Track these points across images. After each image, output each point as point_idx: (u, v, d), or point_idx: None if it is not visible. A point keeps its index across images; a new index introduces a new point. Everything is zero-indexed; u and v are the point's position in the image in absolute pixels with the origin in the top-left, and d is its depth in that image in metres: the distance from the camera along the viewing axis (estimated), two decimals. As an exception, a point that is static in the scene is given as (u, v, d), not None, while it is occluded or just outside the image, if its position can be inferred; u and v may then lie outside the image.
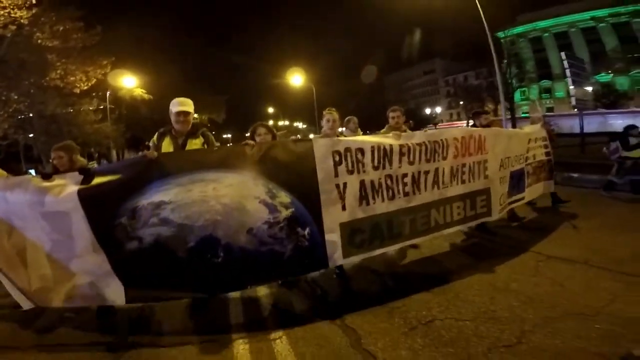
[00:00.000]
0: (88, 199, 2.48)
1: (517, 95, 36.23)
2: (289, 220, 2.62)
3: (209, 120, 50.52)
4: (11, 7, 12.86)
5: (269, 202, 2.58)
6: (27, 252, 2.57)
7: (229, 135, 65.72)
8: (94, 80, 20.87)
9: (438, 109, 45.61)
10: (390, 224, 3.03)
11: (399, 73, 54.30)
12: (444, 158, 3.32)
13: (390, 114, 4.04)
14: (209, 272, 2.55)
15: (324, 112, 3.52)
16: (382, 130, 3.96)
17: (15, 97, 17.73)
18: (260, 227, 2.55)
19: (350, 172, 2.86)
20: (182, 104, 3.11)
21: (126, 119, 30.91)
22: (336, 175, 2.80)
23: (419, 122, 33.88)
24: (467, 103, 38.87)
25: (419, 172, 3.16)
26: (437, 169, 3.27)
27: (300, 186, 2.68)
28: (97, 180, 2.56)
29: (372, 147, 2.96)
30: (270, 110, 55.13)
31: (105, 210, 2.48)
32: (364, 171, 2.91)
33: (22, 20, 13.41)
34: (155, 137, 3.17)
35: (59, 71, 17.43)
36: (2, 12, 12.72)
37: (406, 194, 3.09)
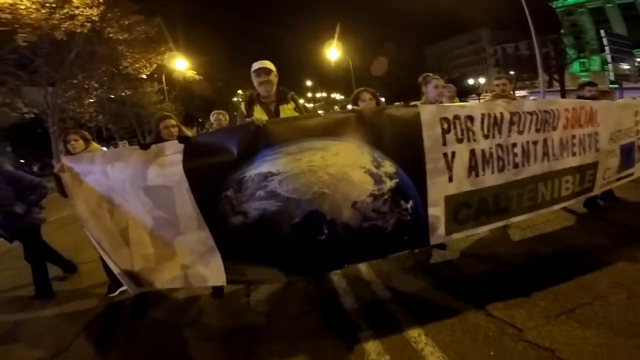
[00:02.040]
0: (193, 170, 2.28)
1: (576, 67, 33.40)
2: (392, 192, 2.38)
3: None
4: (83, 6, 14.78)
5: (374, 172, 2.36)
6: (130, 231, 2.42)
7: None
8: (154, 66, 23.29)
9: (482, 80, 43.14)
10: (498, 198, 2.78)
11: (443, 42, 51.49)
12: (554, 128, 3.08)
13: (495, 82, 3.81)
14: (310, 251, 2.36)
15: (429, 78, 3.29)
16: (487, 99, 3.74)
17: (96, 85, 20.54)
18: (364, 200, 2.33)
19: (460, 141, 2.61)
20: (261, 62, 2.90)
21: (181, 98, 33.76)
22: (444, 143, 2.55)
23: (461, 92, 32.63)
24: (518, 73, 36.43)
25: (528, 142, 2.93)
26: (545, 140, 3.03)
27: (405, 155, 2.45)
28: (202, 149, 2.34)
29: (482, 114, 2.73)
30: (309, 83, 55.74)
31: (211, 183, 2.27)
32: (474, 140, 2.67)
33: (93, 18, 15.38)
34: (242, 106, 2.97)
35: (128, 60, 19.76)
36: (77, 11, 14.71)
37: (515, 166, 2.85)
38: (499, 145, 2.78)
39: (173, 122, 3.04)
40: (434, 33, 49.97)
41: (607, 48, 31.26)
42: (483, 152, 2.71)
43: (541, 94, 17.41)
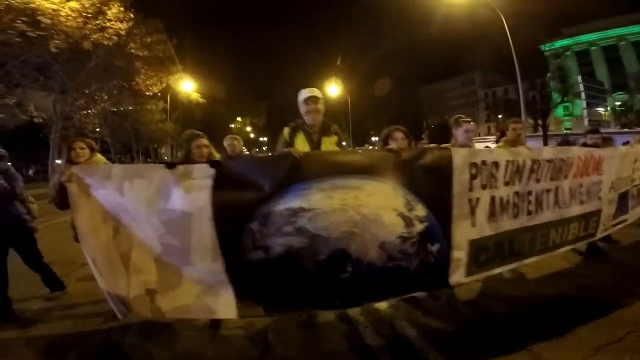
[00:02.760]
0: (221, 199, 2.15)
1: (560, 110, 35.79)
2: (421, 235, 2.37)
3: (251, 124, 53.88)
4: (115, 19, 15.42)
5: (406, 215, 2.33)
6: (132, 255, 2.23)
7: (265, 139, 68.91)
8: (164, 85, 23.87)
9: (471, 124, 45.59)
10: (512, 242, 2.86)
11: (437, 84, 54.58)
12: (565, 177, 3.19)
13: (512, 125, 3.76)
14: (331, 288, 2.30)
15: (460, 121, 3.35)
16: (499, 144, 3.73)
17: (106, 97, 20.78)
18: (393, 241, 2.30)
19: (484, 187, 2.67)
20: (311, 90, 2.84)
21: (182, 120, 34.15)
22: (470, 189, 2.60)
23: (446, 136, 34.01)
24: (506, 117, 38.76)
25: (542, 190, 3.03)
26: (557, 188, 3.14)
27: (436, 199, 2.45)
28: (233, 177, 2.23)
29: (507, 161, 2.80)
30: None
31: (236, 214, 2.16)
32: (495, 186, 2.73)
33: (121, 32, 15.98)
34: (285, 132, 2.85)
35: (142, 76, 20.24)
36: (108, 23, 15.30)
37: (529, 213, 2.94)
38: (516, 193, 2.87)
39: (206, 141, 2.86)
40: (429, 74, 53.13)
41: (582, 94, 34.04)
42: (501, 199, 2.78)
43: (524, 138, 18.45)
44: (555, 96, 32.48)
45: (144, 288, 2.25)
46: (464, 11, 21.59)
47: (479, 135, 41.58)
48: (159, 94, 27.39)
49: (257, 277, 2.23)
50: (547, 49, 33.38)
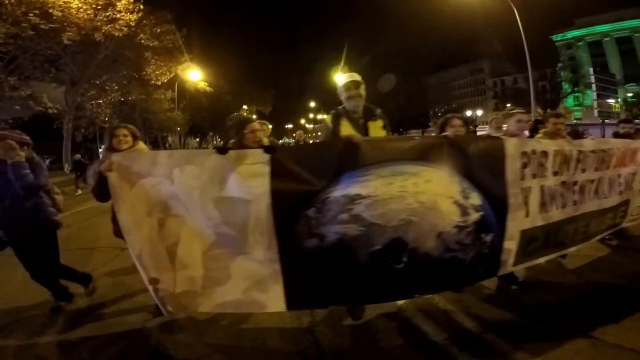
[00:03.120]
0: (278, 185, 2.09)
1: (570, 101, 35.37)
2: (476, 225, 2.34)
3: (257, 112, 53.70)
4: (125, 10, 15.52)
5: (462, 203, 2.31)
6: (179, 248, 2.12)
7: (270, 126, 68.81)
8: (172, 74, 23.98)
9: (479, 112, 45.02)
10: (558, 232, 2.89)
11: (444, 72, 53.76)
12: (607, 168, 3.23)
13: (552, 120, 3.78)
14: (384, 279, 2.25)
15: (512, 112, 3.30)
16: (538, 136, 3.87)
17: (116, 87, 21.01)
18: (449, 231, 2.26)
19: (534, 176, 2.67)
20: (352, 75, 2.76)
21: (189, 108, 34.28)
22: (522, 178, 2.59)
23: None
24: (514, 106, 38.27)
25: (586, 181, 3.07)
26: (600, 179, 3.18)
27: (490, 188, 2.42)
28: (290, 163, 2.15)
29: (555, 151, 2.81)
30: (312, 104, 57.14)
31: (295, 201, 2.11)
32: (544, 176, 2.74)
33: (131, 23, 16.08)
34: (329, 119, 2.76)
35: (152, 66, 20.40)
36: (118, 15, 15.40)
37: (574, 203, 2.98)
38: (563, 183, 2.87)
39: (258, 125, 2.70)
40: (436, 63, 52.37)
41: (593, 85, 33.46)
42: (550, 188, 2.78)
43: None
44: (566, 86, 32.04)
45: (191, 284, 2.16)
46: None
47: (484, 124, 41.14)
48: (166, 83, 27.61)
49: (310, 267, 2.17)
50: (558, 39, 32.65)
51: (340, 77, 2.81)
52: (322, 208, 2.12)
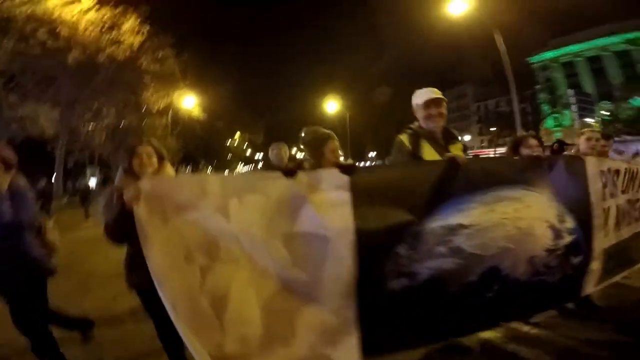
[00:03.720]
0: (363, 216, 1.71)
1: (550, 122, 37.15)
2: (567, 248, 2.23)
3: (249, 140, 54.30)
4: (129, 32, 15.92)
5: (556, 227, 2.20)
6: (230, 301, 1.64)
7: (261, 154, 69.59)
8: (169, 100, 24.23)
9: (467, 137, 46.69)
10: (627, 249, 2.86)
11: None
12: None
13: (602, 142, 3.41)
14: (473, 310, 2.02)
15: (584, 130, 3.27)
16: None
17: (114, 110, 21.03)
18: (539, 254, 2.14)
19: (611, 196, 2.65)
20: (433, 91, 2.45)
21: (182, 136, 34.28)
22: (604, 198, 2.55)
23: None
24: (499, 129, 39.97)
25: None
26: None
27: (579, 210, 2.34)
28: (373, 187, 1.81)
29: (625, 169, 2.83)
30: (303, 134, 58.14)
31: (383, 235, 1.77)
32: (616, 194, 2.73)
33: (134, 46, 16.47)
34: (405, 139, 2.39)
35: (150, 90, 20.63)
36: (122, 37, 15.77)
37: (637, 220, 2.98)
38: (628, 200, 2.88)
39: (337, 143, 2.30)
40: (421, 89, 54.83)
41: (571, 105, 35.35)
42: (621, 206, 2.78)
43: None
44: (546, 107, 33.77)
45: (244, 345, 1.64)
46: (456, 26, 22.75)
47: (473, 149, 42.54)
48: (161, 109, 27.80)
49: (393, 309, 1.82)
50: (534, 61, 34.91)
51: (419, 94, 2.47)
52: (415, 243, 1.81)
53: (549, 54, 38.18)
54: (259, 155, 66.75)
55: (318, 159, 2.22)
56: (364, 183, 1.78)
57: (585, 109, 37.17)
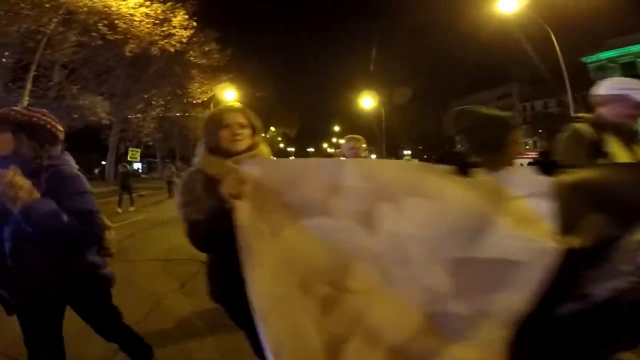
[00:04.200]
0: (567, 230, 1.27)
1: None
2: None
3: (283, 134, 55.37)
4: (179, 26, 16.62)
5: None
6: (352, 342, 1.14)
7: (293, 149, 70.48)
8: (213, 93, 25.19)
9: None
10: None
11: (471, 97, 54.19)
12: None
13: None
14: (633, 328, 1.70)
15: None
16: None
17: (162, 102, 22.26)
18: None
19: None
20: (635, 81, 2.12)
21: (222, 128, 35.42)
22: None
23: None
24: (547, 132, 37.72)
25: None
26: None
27: None
28: (581, 193, 1.35)
29: None
30: (337, 128, 58.20)
31: (585, 255, 1.45)
32: None
33: (183, 39, 17.23)
34: (584, 128, 2.00)
35: (196, 83, 21.56)
36: (174, 30, 16.52)
37: None
38: None
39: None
40: (463, 87, 53.14)
41: None
42: None
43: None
44: (602, 110, 31.35)
45: None
46: (502, 23, 21.61)
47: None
48: (203, 102, 28.97)
49: (550, 336, 1.51)
50: (590, 61, 32.41)
51: (611, 82, 2.13)
52: (604, 261, 1.49)
53: (605, 54, 35.30)
54: (292, 149, 68.13)
55: (504, 153, 1.55)
56: (566, 188, 1.37)
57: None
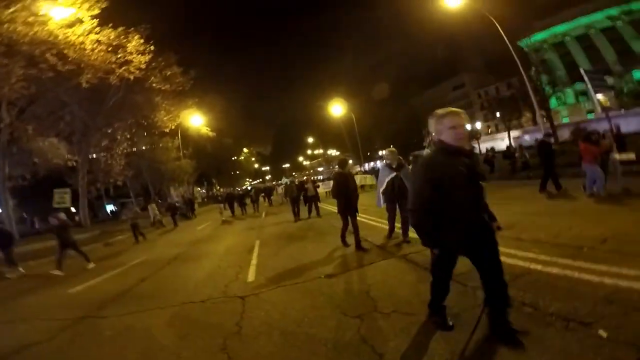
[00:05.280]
0: None
1: (553, 102, 37.06)
2: None
3: (257, 153, 55.00)
4: (135, 52, 15.88)
5: None
6: None
7: (267, 168, 69.53)
8: (180, 120, 24.41)
9: (478, 124, 46.63)
10: None
11: (429, 92, 56.58)
12: None
13: None
14: None
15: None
16: None
17: (128, 135, 21.46)
18: None
19: None
20: None
21: (194, 156, 34.51)
22: None
23: None
24: (504, 114, 39.86)
25: None
26: None
27: None
28: None
29: None
30: (310, 140, 58.64)
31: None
32: None
33: (141, 65, 16.40)
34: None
35: (161, 111, 20.89)
36: (130, 57, 15.83)
37: None
38: None
39: None
40: (423, 82, 55.61)
41: (589, 85, 34.81)
42: None
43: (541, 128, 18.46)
44: (547, 88, 33.68)
45: None
46: (448, 18, 22.98)
47: (479, 137, 42.36)
48: (170, 131, 28.05)
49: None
50: (525, 45, 34.93)
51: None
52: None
53: (537, 36, 38.16)
54: (266, 168, 67.40)
55: None
56: None
57: (600, 86, 36.51)
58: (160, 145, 28.71)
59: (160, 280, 5.52)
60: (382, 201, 5.35)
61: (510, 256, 3.50)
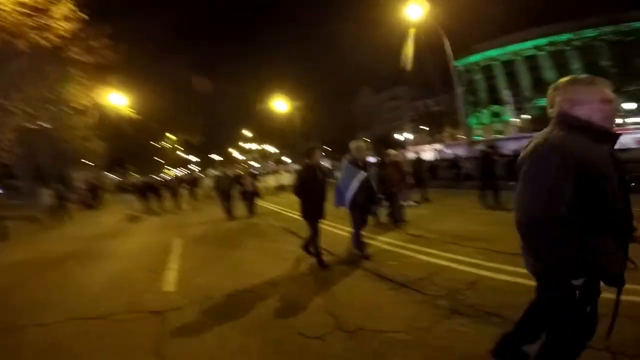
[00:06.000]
0: None
1: (472, 120, 41.82)
2: None
3: (184, 141, 50.31)
4: (62, 18, 13.18)
5: None
6: None
7: (197, 158, 64.87)
8: (95, 96, 20.89)
9: (409, 135, 49.93)
10: None
11: (369, 98, 59.01)
12: None
13: None
14: None
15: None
16: None
17: (29, 110, 17.42)
18: None
19: None
20: None
21: (111, 137, 30.16)
22: None
23: (392, 147, 36.82)
24: (431, 128, 43.52)
25: None
26: None
27: None
28: None
29: None
30: (247, 133, 56.02)
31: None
32: None
33: (65, 33, 13.66)
34: None
35: (76, 86, 17.57)
36: (52, 22, 13.01)
37: None
38: None
39: None
40: (371, 88, 57.57)
41: (508, 106, 39.67)
42: None
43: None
44: (468, 107, 37.83)
45: None
46: (392, 31, 24.05)
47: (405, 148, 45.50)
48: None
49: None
50: (459, 65, 38.78)
51: None
52: None
53: (472, 58, 42.53)
54: (193, 158, 62.52)
55: None
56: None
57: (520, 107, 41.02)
58: (70, 123, 24.10)
59: (46, 287, 4.34)
60: (344, 202, 4.64)
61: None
